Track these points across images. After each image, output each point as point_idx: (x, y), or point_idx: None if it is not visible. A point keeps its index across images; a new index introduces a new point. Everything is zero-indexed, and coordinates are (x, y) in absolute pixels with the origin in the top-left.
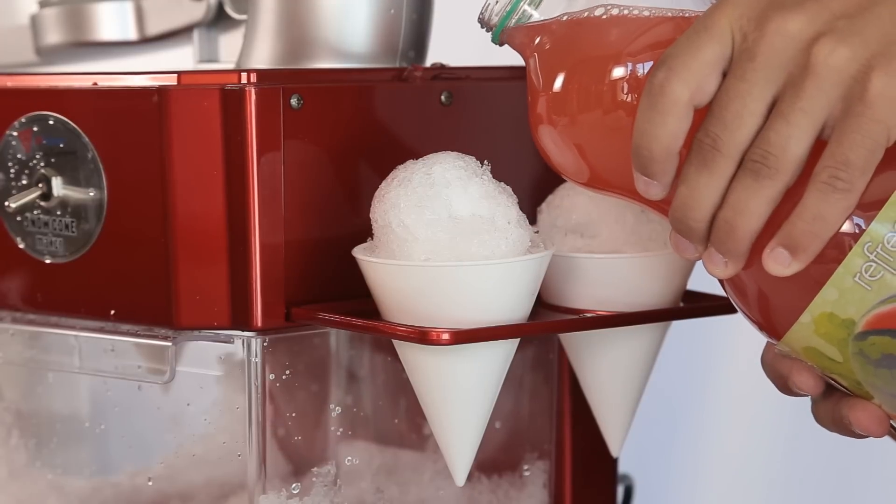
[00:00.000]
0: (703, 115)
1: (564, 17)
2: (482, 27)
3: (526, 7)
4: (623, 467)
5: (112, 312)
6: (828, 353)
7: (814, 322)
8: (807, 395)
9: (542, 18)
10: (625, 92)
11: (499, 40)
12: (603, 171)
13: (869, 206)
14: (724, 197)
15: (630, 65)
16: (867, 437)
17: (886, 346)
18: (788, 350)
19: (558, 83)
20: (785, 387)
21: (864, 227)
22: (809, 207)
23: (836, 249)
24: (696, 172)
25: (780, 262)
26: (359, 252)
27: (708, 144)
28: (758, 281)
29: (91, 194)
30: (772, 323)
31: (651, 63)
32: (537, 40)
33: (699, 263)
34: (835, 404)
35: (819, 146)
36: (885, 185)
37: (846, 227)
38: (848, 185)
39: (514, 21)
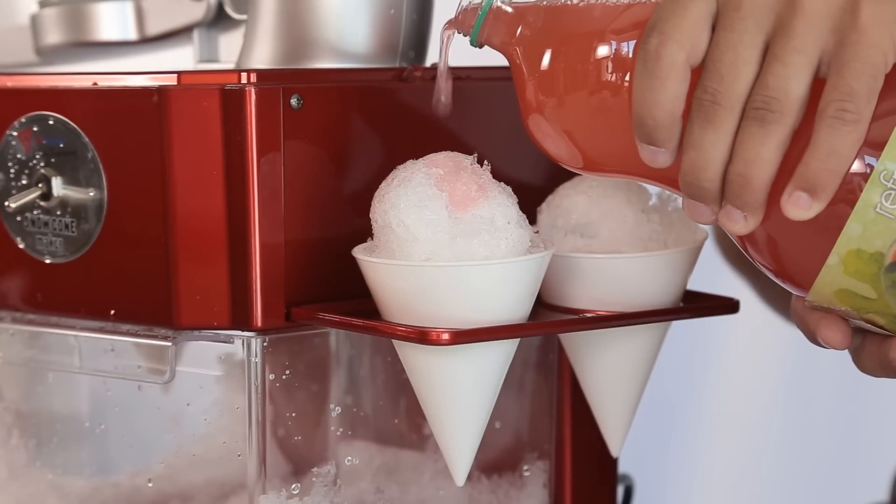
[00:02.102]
0: (698, 75)
1: (544, 3)
2: (458, 32)
3: (499, 4)
4: (623, 467)
5: (112, 312)
6: (861, 291)
7: (842, 262)
8: (833, 349)
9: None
10: (611, 71)
11: (477, 41)
12: (599, 151)
13: (879, 134)
14: (733, 151)
15: (615, 42)
16: None
17: None
18: (819, 300)
19: (545, 64)
20: (813, 340)
21: (877, 156)
22: (821, 144)
23: (854, 184)
24: (700, 131)
25: (800, 206)
26: (359, 252)
27: (708, 100)
28: (779, 232)
29: (91, 194)
30: (799, 273)
31: (634, 42)
32: (518, 31)
33: (699, 263)
34: (878, 347)
35: (817, 86)
36: (891, 111)
37: (860, 159)
38: (856, 115)
39: (495, 6)
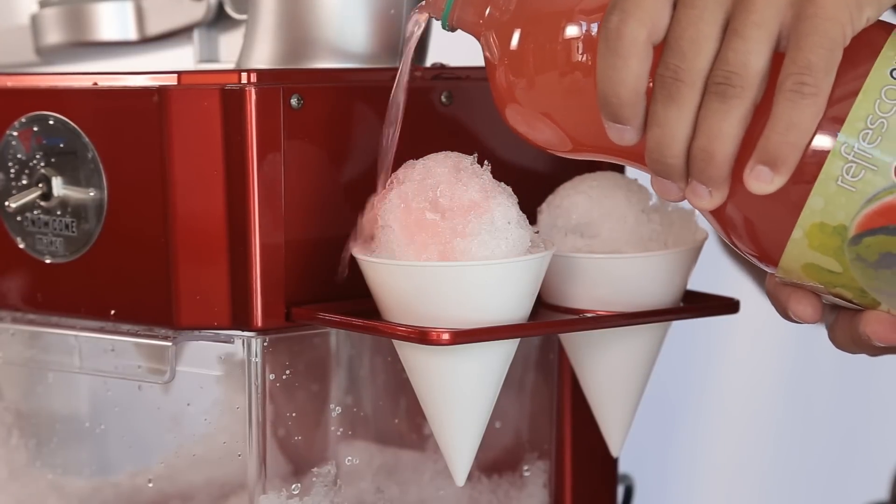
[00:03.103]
0: (660, 52)
1: None
2: (429, 15)
3: None
4: (623, 467)
5: (112, 312)
6: (826, 265)
7: (806, 236)
8: (804, 323)
9: None
10: (580, 51)
11: (448, 23)
12: (572, 132)
13: (839, 108)
14: (696, 126)
15: (584, 23)
16: (892, 349)
17: (882, 245)
18: (789, 276)
19: (514, 45)
20: (786, 315)
21: (838, 129)
22: (781, 118)
23: (815, 157)
24: (663, 108)
25: (762, 180)
26: (359, 252)
27: (669, 77)
28: (744, 208)
29: (91, 194)
30: (766, 248)
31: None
32: (487, 12)
33: (699, 264)
34: (849, 323)
35: (778, 61)
36: (850, 85)
37: (820, 132)
38: (814, 88)
39: None
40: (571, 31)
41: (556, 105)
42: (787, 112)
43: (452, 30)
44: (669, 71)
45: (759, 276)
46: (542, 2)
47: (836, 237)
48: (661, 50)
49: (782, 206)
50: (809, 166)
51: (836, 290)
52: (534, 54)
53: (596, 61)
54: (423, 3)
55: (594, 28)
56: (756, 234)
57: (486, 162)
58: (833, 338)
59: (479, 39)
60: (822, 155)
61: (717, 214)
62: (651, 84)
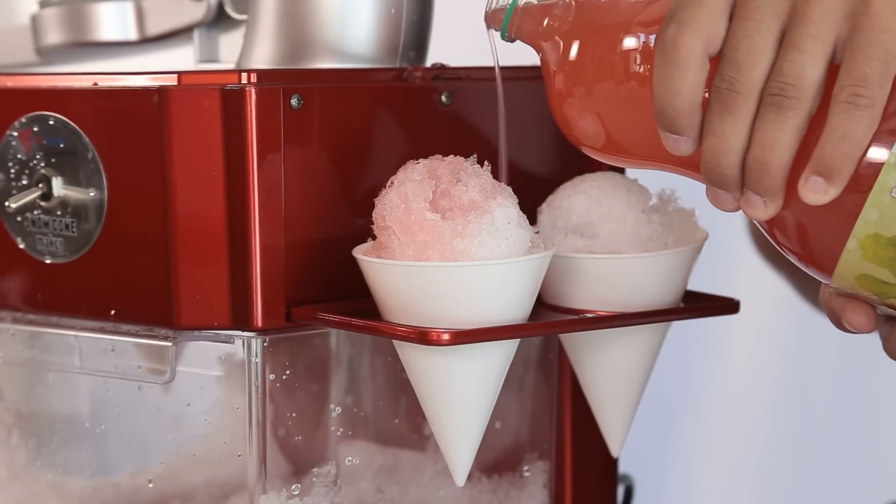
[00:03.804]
0: (716, 64)
1: None
2: (488, 27)
3: None
4: (623, 467)
5: (112, 312)
6: (881, 276)
7: (860, 247)
8: (859, 333)
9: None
10: (637, 62)
11: (507, 35)
12: (627, 140)
13: (894, 120)
14: (751, 137)
15: (642, 34)
16: None
17: None
18: (843, 286)
19: (573, 55)
20: (840, 325)
21: (893, 141)
22: (835, 129)
23: (869, 168)
24: (719, 119)
25: (816, 191)
26: (359, 252)
27: (725, 88)
28: (799, 217)
29: (91, 194)
30: (820, 258)
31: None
32: (545, 23)
33: (699, 264)
34: None
35: (833, 73)
36: None
37: (875, 144)
38: (869, 100)
39: (522, 1)
40: (629, 42)
41: (612, 113)
42: (842, 123)
43: (511, 40)
44: (725, 82)
45: (794, 274)
46: (600, 13)
47: (890, 248)
48: (717, 61)
49: (837, 216)
50: (864, 177)
51: (890, 301)
52: (592, 64)
53: (653, 72)
54: (485, 16)
55: (652, 39)
56: (811, 244)
57: (486, 162)
58: (888, 349)
59: (536, 49)
60: (876, 166)
61: (773, 224)
62: (707, 95)
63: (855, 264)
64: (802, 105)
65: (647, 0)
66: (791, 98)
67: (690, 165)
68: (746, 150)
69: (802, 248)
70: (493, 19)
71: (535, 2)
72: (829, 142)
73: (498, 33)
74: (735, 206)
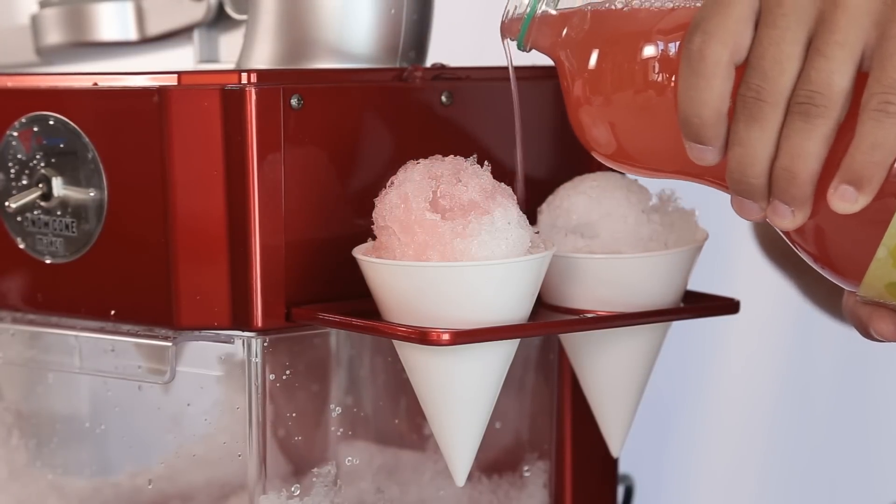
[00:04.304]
0: (743, 73)
1: (588, 7)
2: (503, 37)
3: (544, 7)
4: (623, 467)
5: (112, 312)
6: None
7: (891, 255)
8: (887, 342)
9: (564, 7)
10: (657, 70)
11: (524, 45)
12: (648, 150)
13: None
14: (779, 146)
15: (661, 43)
16: None
17: None
18: (871, 294)
19: (592, 64)
20: (866, 333)
21: None
22: (866, 137)
23: None
24: (745, 128)
25: (846, 199)
26: (359, 252)
27: (752, 97)
28: (827, 226)
29: (91, 194)
30: (849, 267)
31: (679, 42)
32: (564, 33)
33: (699, 264)
34: None
35: (861, 80)
36: None
37: None
38: None
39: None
40: (649, 50)
41: (632, 123)
42: (872, 131)
43: (528, 50)
44: (752, 91)
45: (801, 277)
46: (619, 22)
47: None
48: (742, 70)
49: (867, 224)
50: (894, 185)
51: None
52: (612, 73)
53: (675, 80)
54: (500, 27)
55: (672, 48)
56: (839, 252)
57: (486, 162)
58: None
59: (554, 59)
60: None
61: (798, 232)
62: (733, 104)
63: (885, 273)
64: (830, 113)
65: (666, 9)
66: (819, 106)
67: (713, 175)
68: (773, 159)
69: (829, 256)
70: (508, 30)
71: (553, 11)
72: (859, 150)
73: (514, 43)
74: (762, 216)
